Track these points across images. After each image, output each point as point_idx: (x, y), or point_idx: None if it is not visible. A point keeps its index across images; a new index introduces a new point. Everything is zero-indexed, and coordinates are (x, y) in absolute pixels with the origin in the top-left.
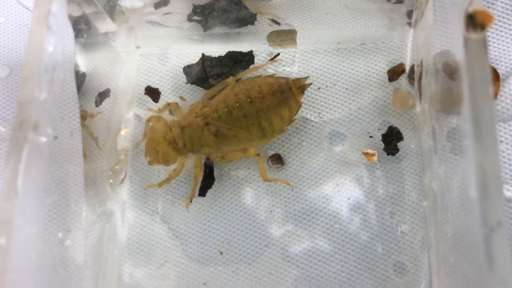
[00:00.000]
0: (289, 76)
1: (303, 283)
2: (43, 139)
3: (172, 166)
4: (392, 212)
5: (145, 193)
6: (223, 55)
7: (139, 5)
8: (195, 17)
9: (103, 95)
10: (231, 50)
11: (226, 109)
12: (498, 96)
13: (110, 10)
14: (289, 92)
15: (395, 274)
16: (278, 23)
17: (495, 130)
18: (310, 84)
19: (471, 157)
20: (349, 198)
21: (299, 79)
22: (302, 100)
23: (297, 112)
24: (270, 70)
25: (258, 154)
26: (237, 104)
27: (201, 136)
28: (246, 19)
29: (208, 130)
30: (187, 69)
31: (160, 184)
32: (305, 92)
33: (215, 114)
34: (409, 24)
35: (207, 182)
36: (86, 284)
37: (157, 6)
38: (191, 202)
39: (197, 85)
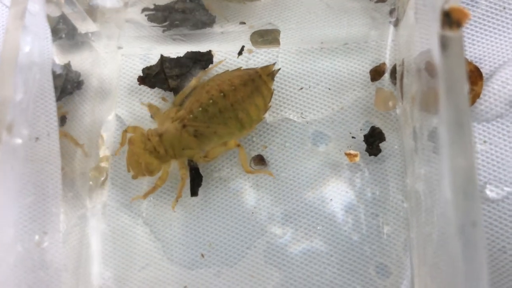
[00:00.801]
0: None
1: (285, 285)
2: (18, 140)
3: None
4: (375, 213)
5: (127, 195)
6: (181, 55)
7: (120, 5)
8: (150, 12)
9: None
10: (211, 48)
11: (200, 108)
12: (481, 96)
13: (90, 10)
14: (260, 80)
15: (378, 276)
16: (244, 23)
17: (471, 129)
18: (279, 69)
19: (446, 157)
20: (331, 200)
21: (267, 66)
22: (273, 87)
23: (270, 99)
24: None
25: (238, 145)
26: (211, 101)
27: (180, 139)
28: (205, 22)
29: (186, 132)
30: (146, 71)
31: (145, 195)
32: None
33: (191, 115)
34: (392, 23)
35: (196, 180)
36: (66, 286)
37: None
38: (177, 201)
39: (157, 87)
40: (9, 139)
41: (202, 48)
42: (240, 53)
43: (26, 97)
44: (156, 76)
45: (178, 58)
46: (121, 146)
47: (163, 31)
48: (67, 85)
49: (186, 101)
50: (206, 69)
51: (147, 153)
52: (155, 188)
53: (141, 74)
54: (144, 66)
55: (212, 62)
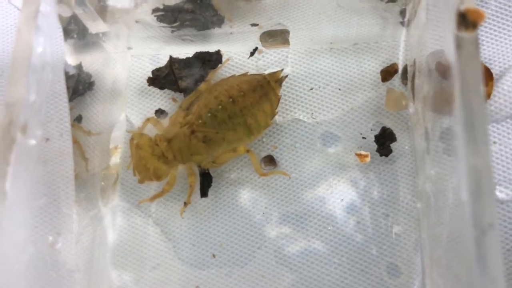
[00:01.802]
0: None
1: (296, 285)
2: (32, 141)
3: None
4: (386, 213)
5: (138, 195)
6: (190, 56)
7: (130, 6)
8: (160, 13)
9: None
10: (221, 49)
11: (209, 114)
12: (491, 96)
13: (101, 11)
14: (268, 86)
15: (389, 276)
16: (257, 24)
17: (487, 130)
18: (286, 76)
19: (462, 158)
20: (342, 200)
21: (275, 72)
22: (280, 93)
23: (277, 106)
24: (253, 70)
25: (248, 151)
26: (220, 107)
27: (189, 145)
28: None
29: (195, 138)
30: (156, 72)
31: (152, 199)
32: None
33: (200, 120)
34: (402, 23)
35: (206, 182)
36: (78, 287)
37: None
38: (185, 208)
39: (167, 88)
40: (24, 140)
41: (211, 48)
42: (252, 54)
43: (39, 98)
44: (165, 77)
45: (187, 59)
46: (132, 159)
47: (172, 31)
48: (79, 86)
49: (193, 105)
50: (215, 69)
51: (155, 158)
52: (163, 192)
53: (150, 75)
54: (154, 67)
55: (221, 62)
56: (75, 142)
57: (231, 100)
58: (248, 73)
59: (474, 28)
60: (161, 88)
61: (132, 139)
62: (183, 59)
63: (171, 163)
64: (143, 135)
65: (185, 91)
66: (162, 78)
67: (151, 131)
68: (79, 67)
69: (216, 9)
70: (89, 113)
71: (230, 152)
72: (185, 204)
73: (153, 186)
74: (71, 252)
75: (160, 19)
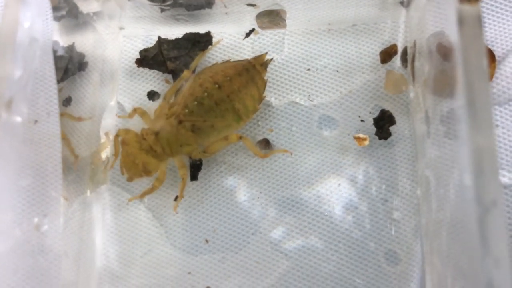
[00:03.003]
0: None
1: (292, 272)
2: (18, 118)
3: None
4: (385, 199)
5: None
6: (180, 37)
7: None
8: None
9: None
10: (216, 30)
11: (195, 102)
12: (494, 79)
13: None
14: (254, 70)
15: (387, 263)
16: (253, 5)
17: (491, 107)
18: (271, 59)
19: (465, 138)
20: (339, 185)
21: (260, 55)
22: (266, 77)
23: (264, 89)
24: (249, 51)
25: (241, 137)
26: (206, 94)
27: (178, 136)
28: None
29: (183, 128)
30: (144, 53)
31: (142, 195)
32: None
33: (186, 110)
34: (402, 3)
35: (195, 165)
36: (66, 273)
37: None
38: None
39: (155, 69)
40: (8, 116)
41: (205, 29)
42: (248, 35)
43: (25, 74)
44: (153, 58)
45: (177, 40)
46: (115, 156)
47: (163, 10)
48: (70, 66)
49: (178, 95)
50: (200, 55)
51: (143, 153)
52: (153, 189)
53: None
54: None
55: (211, 44)
56: (64, 138)
57: (217, 86)
58: (231, 60)
59: (476, 1)
60: (150, 68)
61: (117, 135)
62: (172, 40)
63: (160, 156)
64: (129, 131)
65: (173, 72)
66: (150, 59)
67: (135, 125)
68: (71, 47)
69: None
70: (79, 95)
71: (222, 141)
72: (177, 198)
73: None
74: (58, 236)
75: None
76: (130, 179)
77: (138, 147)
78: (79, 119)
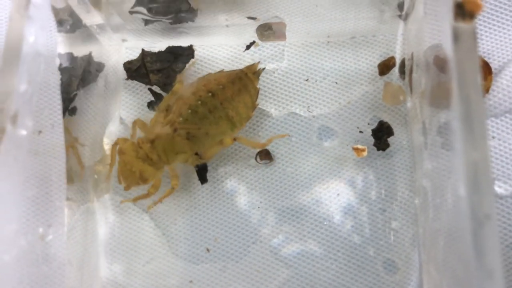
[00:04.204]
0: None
1: (292, 280)
2: (23, 132)
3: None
4: (383, 209)
5: (132, 189)
6: (163, 50)
7: None
8: (155, 5)
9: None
10: (218, 42)
11: (190, 110)
12: (490, 91)
13: (96, 2)
14: (246, 78)
15: (385, 272)
16: (254, 18)
17: (485, 121)
18: (263, 69)
19: (460, 151)
20: (338, 195)
21: (252, 64)
22: (258, 86)
23: (257, 98)
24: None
25: (235, 139)
26: (199, 102)
27: (173, 143)
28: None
29: (178, 136)
30: (127, 65)
31: (135, 200)
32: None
33: (180, 118)
34: (400, 16)
35: (200, 168)
36: (70, 282)
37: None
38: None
39: (138, 80)
40: (13, 130)
41: (207, 41)
42: (248, 47)
43: (30, 88)
44: (137, 70)
45: (159, 53)
46: (112, 164)
47: (163, 23)
48: (75, 78)
49: (172, 105)
50: (184, 69)
51: (140, 161)
52: (148, 195)
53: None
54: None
55: (193, 57)
56: (72, 146)
57: (210, 94)
58: (224, 70)
59: (471, 19)
60: (132, 80)
61: (115, 143)
62: (155, 53)
63: (156, 164)
64: (127, 140)
65: (158, 85)
66: (133, 71)
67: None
68: (74, 59)
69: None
70: (83, 106)
71: (217, 145)
72: (157, 200)
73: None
74: (63, 245)
75: (155, 11)
76: (127, 188)
77: (134, 155)
78: (76, 140)
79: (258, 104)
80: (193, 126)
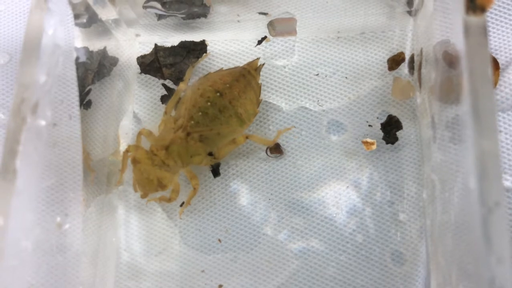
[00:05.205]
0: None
1: (301, 271)
2: (42, 122)
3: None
4: (391, 201)
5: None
6: (175, 44)
7: None
8: (150, 3)
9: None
10: (229, 37)
11: (200, 112)
12: (497, 86)
13: None
14: (249, 75)
15: (393, 263)
16: (265, 13)
17: (495, 113)
18: (263, 64)
19: (470, 142)
20: (347, 187)
21: (252, 61)
22: (260, 81)
23: (260, 93)
24: (260, 58)
25: (247, 137)
26: (209, 103)
27: (187, 147)
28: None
29: (192, 139)
30: (141, 59)
31: (160, 200)
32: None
33: (192, 121)
34: (409, 12)
35: (214, 165)
36: (84, 271)
37: None
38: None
39: (151, 75)
40: (33, 120)
41: (219, 36)
42: (260, 42)
43: (49, 79)
44: (150, 64)
45: (172, 47)
46: (123, 171)
47: (168, 17)
48: (90, 72)
49: (179, 108)
50: (195, 63)
51: (156, 168)
52: (171, 200)
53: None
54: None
55: (205, 52)
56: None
57: (218, 94)
58: (223, 68)
59: (482, 12)
60: (146, 74)
61: (126, 151)
62: (168, 47)
63: (173, 169)
64: (139, 148)
65: (169, 79)
66: (147, 65)
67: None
68: (91, 53)
69: None
70: (98, 100)
71: (231, 144)
72: (184, 204)
73: None
74: (78, 235)
75: (168, 6)
76: (144, 195)
77: (150, 163)
78: (88, 155)
79: (262, 100)
80: (205, 127)
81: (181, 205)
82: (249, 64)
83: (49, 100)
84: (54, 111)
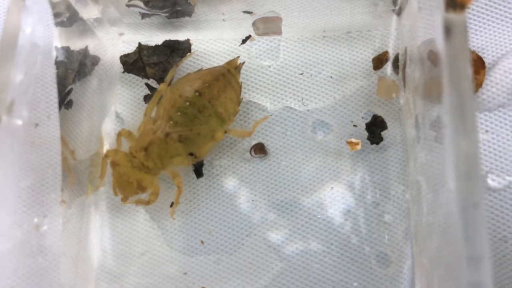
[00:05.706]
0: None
1: (285, 273)
2: (19, 122)
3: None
4: (376, 202)
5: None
6: (159, 43)
7: None
8: (133, 2)
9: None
10: (214, 36)
11: (179, 113)
12: (484, 85)
13: None
14: (229, 74)
15: (378, 265)
16: (250, 12)
17: (474, 108)
18: (243, 63)
19: (449, 140)
20: (332, 188)
21: (232, 60)
22: (240, 80)
23: (240, 92)
24: (245, 58)
25: (226, 131)
26: (187, 103)
27: (167, 148)
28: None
29: (171, 140)
30: (124, 58)
31: (137, 203)
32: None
33: (171, 122)
34: (395, 11)
35: (197, 162)
36: (65, 273)
37: None
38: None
39: (134, 74)
40: (9, 119)
41: (203, 35)
42: (244, 41)
43: (26, 79)
44: (133, 63)
45: (156, 46)
46: (102, 176)
47: (148, 16)
48: (71, 71)
49: (158, 109)
50: (178, 62)
51: (136, 170)
52: (149, 203)
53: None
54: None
55: (190, 51)
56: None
57: (197, 93)
58: (202, 69)
59: (462, 9)
60: (129, 73)
61: (105, 156)
62: (151, 47)
63: (153, 171)
64: (118, 151)
65: (153, 78)
66: (130, 64)
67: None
68: (72, 52)
69: None
70: (79, 100)
71: (210, 141)
72: (173, 204)
73: None
74: (58, 237)
75: (152, 5)
76: (125, 199)
77: (129, 165)
78: (73, 153)
79: (242, 98)
80: (185, 128)
81: (171, 206)
82: (229, 63)
83: (26, 99)
84: (32, 112)
